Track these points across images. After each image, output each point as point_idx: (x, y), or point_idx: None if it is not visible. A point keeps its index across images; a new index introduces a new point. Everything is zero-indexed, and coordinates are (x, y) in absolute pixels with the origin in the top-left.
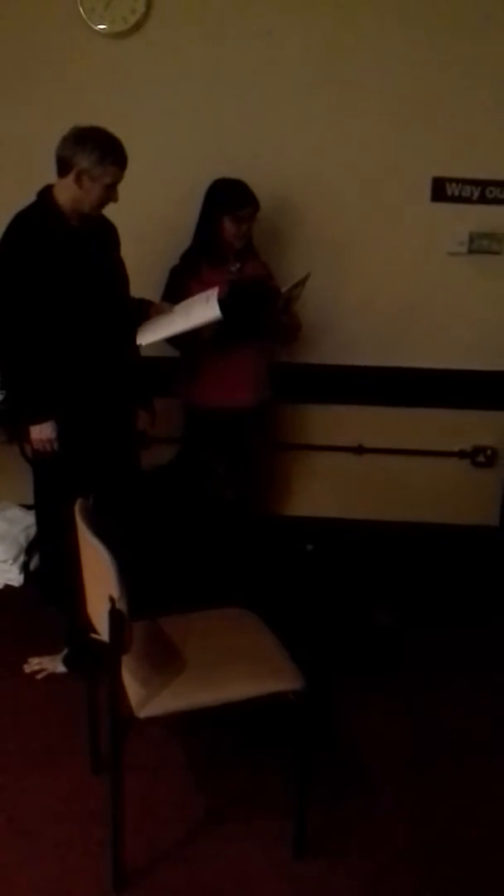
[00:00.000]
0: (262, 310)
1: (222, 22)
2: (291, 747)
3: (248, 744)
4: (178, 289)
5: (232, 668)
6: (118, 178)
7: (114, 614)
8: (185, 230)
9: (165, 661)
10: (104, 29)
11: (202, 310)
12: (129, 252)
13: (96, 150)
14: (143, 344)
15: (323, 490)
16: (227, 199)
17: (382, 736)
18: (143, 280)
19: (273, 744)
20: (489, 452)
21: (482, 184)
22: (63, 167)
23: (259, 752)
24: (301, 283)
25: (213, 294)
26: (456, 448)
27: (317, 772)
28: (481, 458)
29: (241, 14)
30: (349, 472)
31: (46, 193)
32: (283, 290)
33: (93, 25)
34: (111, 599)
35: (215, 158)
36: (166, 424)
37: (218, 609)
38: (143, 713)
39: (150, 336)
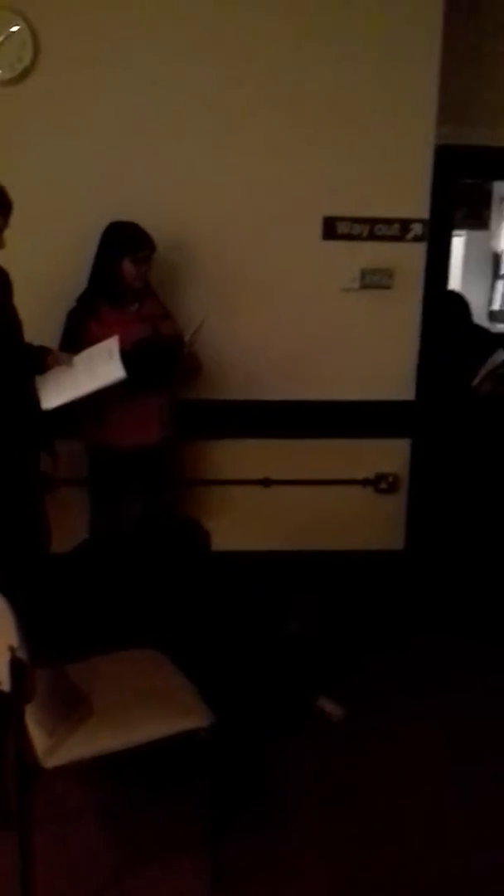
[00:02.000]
0: (168, 364)
1: (108, 71)
2: (205, 784)
3: (163, 784)
4: (77, 331)
5: (139, 711)
6: (2, 225)
7: (14, 663)
8: (78, 275)
9: (72, 708)
10: None
11: (105, 369)
12: (22, 298)
13: None
14: (49, 408)
15: (232, 524)
16: (126, 242)
17: (300, 765)
18: (39, 326)
19: (187, 782)
20: (391, 479)
21: (370, 222)
22: None
23: (174, 791)
24: (198, 330)
25: (114, 349)
26: (360, 476)
27: (233, 806)
28: (384, 485)
29: (127, 64)
30: (257, 505)
31: None
32: (186, 339)
33: None
34: (10, 649)
35: (107, 203)
36: (70, 466)
37: (125, 651)
38: (50, 763)
39: (55, 399)
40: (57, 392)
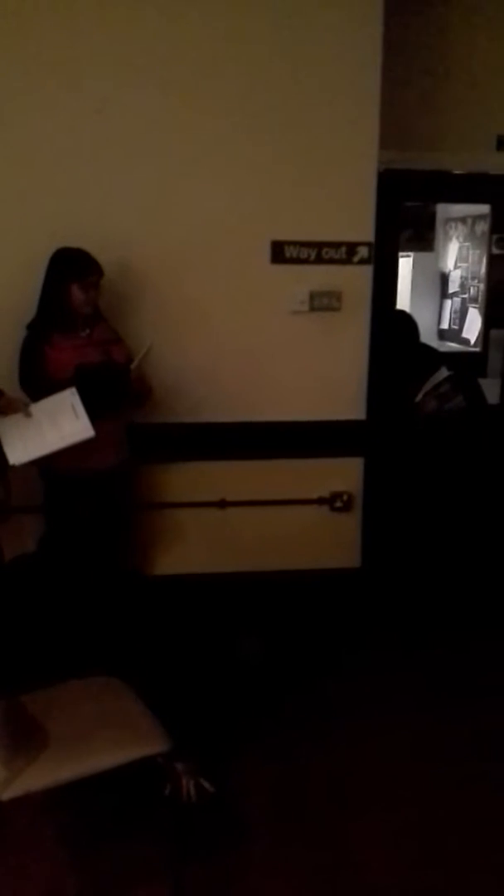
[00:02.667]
0: (113, 388)
1: (55, 96)
2: (164, 810)
3: (123, 811)
4: (33, 358)
5: (96, 739)
6: None
7: None
8: (28, 302)
9: (28, 739)
10: None
11: (73, 427)
12: None
13: None
14: (18, 464)
15: (188, 547)
16: (73, 267)
17: (256, 788)
18: None
19: (147, 807)
20: (346, 497)
21: (318, 245)
22: None
23: (134, 817)
24: (145, 355)
25: (77, 405)
26: (315, 495)
27: (191, 831)
28: (339, 504)
29: (74, 90)
30: (214, 527)
31: None
32: (132, 366)
33: None
34: None
35: (55, 230)
36: (25, 493)
37: (82, 679)
38: (5, 795)
39: (23, 455)
40: (24, 449)
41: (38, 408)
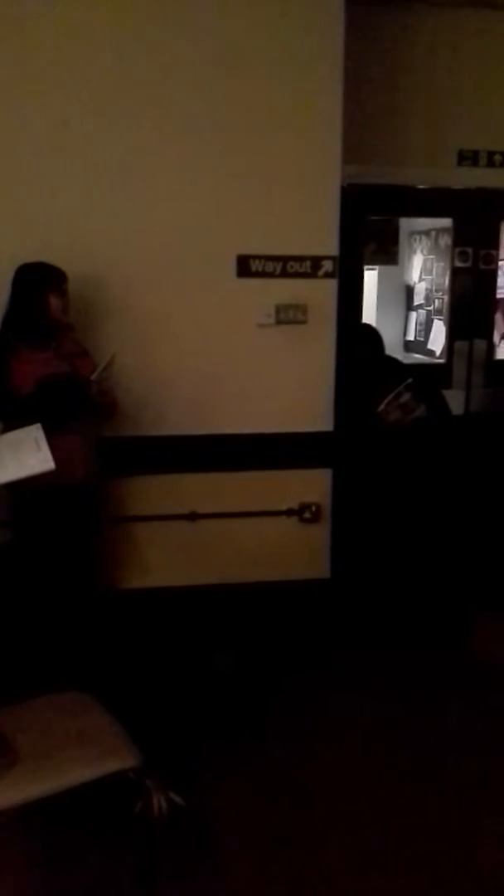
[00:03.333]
0: (76, 399)
1: (21, 111)
2: (136, 825)
3: (94, 828)
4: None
5: (66, 755)
6: None
7: None
8: None
9: None
10: None
11: (35, 459)
12: None
13: None
14: None
15: (159, 560)
16: (49, 277)
17: (229, 804)
18: None
19: (118, 824)
20: (314, 508)
21: (283, 259)
22: None
23: (105, 834)
24: (108, 366)
25: (41, 438)
26: (284, 507)
27: (164, 848)
28: (308, 515)
29: (39, 103)
30: (184, 540)
31: None
32: (93, 377)
33: None
34: None
35: (20, 243)
36: None
37: (51, 695)
38: None
39: None
40: None
41: (3, 440)
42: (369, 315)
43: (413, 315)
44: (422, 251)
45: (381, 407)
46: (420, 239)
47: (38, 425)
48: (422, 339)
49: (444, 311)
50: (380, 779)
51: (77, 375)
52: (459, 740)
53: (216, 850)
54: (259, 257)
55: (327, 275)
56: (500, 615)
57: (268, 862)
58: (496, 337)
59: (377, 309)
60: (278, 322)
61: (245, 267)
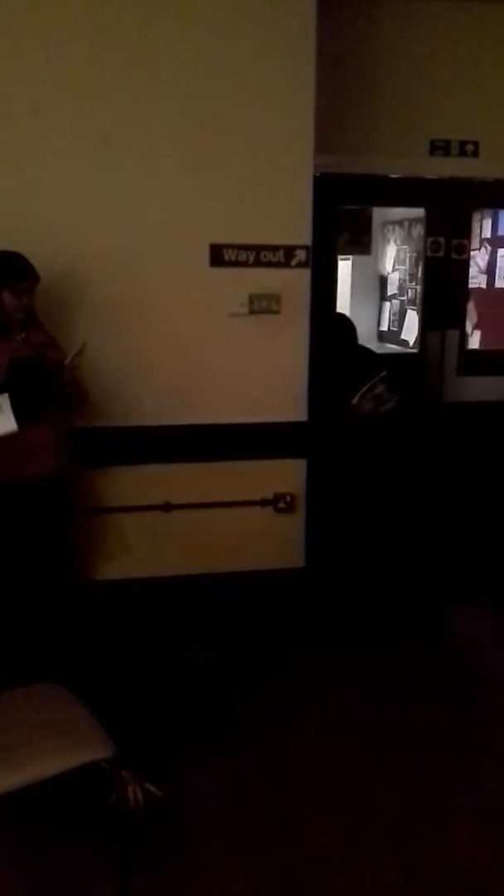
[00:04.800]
0: (46, 384)
1: None
2: (110, 816)
3: (69, 819)
4: None
5: (39, 746)
6: None
7: None
8: None
9: None
10: None
11: None
12: None
13: None
14: None
15: (133, 550)
16: (7, 274)
17: (206, 789)
18: None
19: (93, 815)
20: (289, 498)
21: (256, 248)
22: None
23: (80, 826)
24: (80, 352)
25: (4, 403)
26: (258, 497)
27: (141, 835)
28: (282, 505)
29: (8, 92)
30: (158, 530)
31: None
32: (66, 361)
33: None
34: None
35: None
36: None
37: (24, 687)
38: None
39: None
40: None
41: None
42: (343, 305)
43: (387, 305)
44: (395, 241)
45: (356, 399)
46: (393, 229)
47: (5, 395)
48: (395, 329)
49: (418, 300)
50: (356, 768)
51: (48, 360)
52: (436, 727)
53: (191, 840)
54: (232, 246)
55: (300, 264)
56: (475, 603)
57: (244, 851)
58: (468, 327)
59: (351, 299)
60: (252, 312)
61: (218, 256)
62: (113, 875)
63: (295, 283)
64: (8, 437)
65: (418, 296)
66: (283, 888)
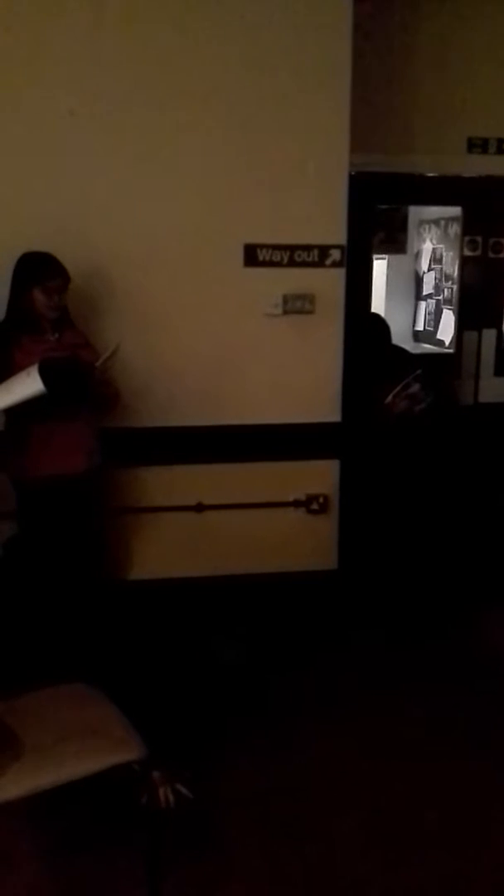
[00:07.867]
0: (79, 385)
1: (24, 100)
2: (142, 817)
3: (100, 819)
4: (2, 359)
5: (71, 747)
6: None
7: None
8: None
9: (1, 748)
10: None
11: (23, 384)
12: None
13: None
14: None
15: (166, 551)
16: (37, 272)
17: (239, 790)
18: None
19: (124, 815)
20: (322, 500)
21: (290, 248)
22: None
23: (111, 825)
24: (113, 354)
25: (33, 369)
26: (291, 498)
27: (172, 836)
28: (315, 506)
29: (45, 92)
30: (191, 531)
31: None
32: (98, 364)
33: None
34: None
35: (26, 235)
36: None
37: (56, 686)
38: None
39: None
40: None
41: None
42: (378, 305)
43: (422, 305)
44: (431, 240)
45: (389, 398)
46: (429, 228)
47: (36, 365)
48: (431, 328)
49: (454, 300)
50: (387, 774)
51: (80, 361)
52: (465, 728)
53: (222, 840)
54: (266, 246)
55: (335, 264)
56: None
57: (274, 851)
58: None
59: (386, 299)
60: (286, 312)
61: (252, 256)
62: (143, 875)
63: (329, 283)
64: (43, 435)
65: (454, 295)
66: (311, 891)
